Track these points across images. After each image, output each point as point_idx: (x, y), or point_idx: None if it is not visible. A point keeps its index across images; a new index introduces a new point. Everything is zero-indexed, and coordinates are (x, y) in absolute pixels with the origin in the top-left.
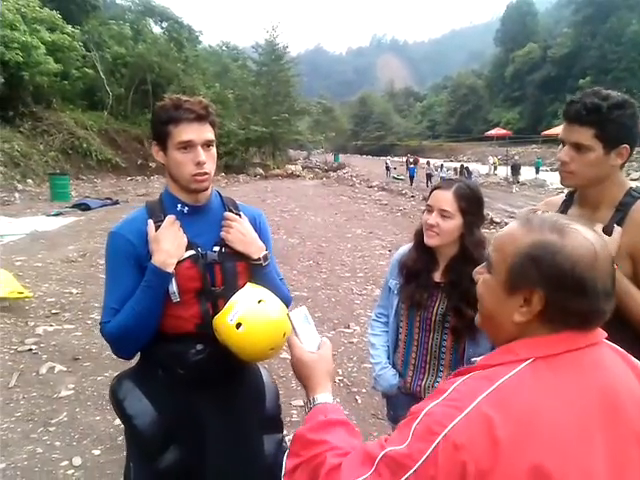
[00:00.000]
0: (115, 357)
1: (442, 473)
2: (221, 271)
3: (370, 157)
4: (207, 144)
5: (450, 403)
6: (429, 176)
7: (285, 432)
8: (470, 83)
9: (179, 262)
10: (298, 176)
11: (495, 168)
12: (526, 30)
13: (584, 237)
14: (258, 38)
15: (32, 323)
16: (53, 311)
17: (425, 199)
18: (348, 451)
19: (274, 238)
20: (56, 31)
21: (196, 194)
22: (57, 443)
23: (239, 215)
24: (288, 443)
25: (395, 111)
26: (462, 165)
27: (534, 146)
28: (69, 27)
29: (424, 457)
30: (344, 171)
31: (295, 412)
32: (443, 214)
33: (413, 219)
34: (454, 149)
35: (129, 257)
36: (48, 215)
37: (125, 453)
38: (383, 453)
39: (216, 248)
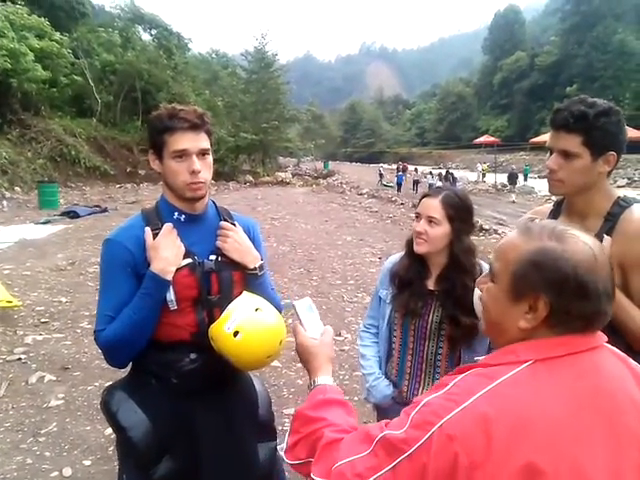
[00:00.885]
0: (105, 366)
1: (434, 461)
2: (217, 280)
3: (360, 164)
4: (202, 153)
5: (449, 397)
6: (416, 183)
7: (277, 441)
8: (459, 91)
9: (177, 270)
10: (288, 183)
11: (484, 175)
12: (514, 38)
13: (583, 242)
14: (247, 46)
15: (21, 332)
16: (42, 320)
17: (415, 206)
18: (345, 428)
19: (264, 246)
20: (44, 38)
21: (192, 202)
22: (47, 453)
23: (234, 225)
24: (281, 452)
25: (384, 118)
26: (447, 171)
27: (522, 153)
28: (57, 34)
29: (418, 444)
30: (334, 178)
31: (287, 420)
32: (431, 221)
33: (403, 226)
34: (443, 156)
35: (125, 264)
36: (36, 223)
37: (116, 464)
38: (381, 435)
39: (212, 257)
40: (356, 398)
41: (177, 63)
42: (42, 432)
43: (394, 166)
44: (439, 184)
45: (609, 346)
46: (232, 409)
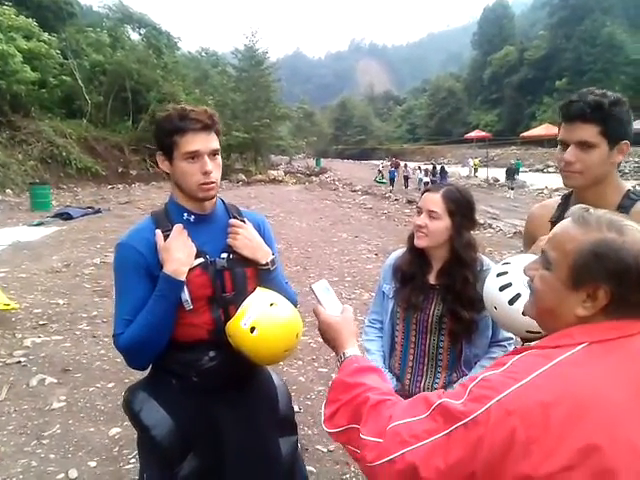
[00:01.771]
0: (106, 367)
1: (491, 434)
2: (231, 277)
3: (352, 161)
4: (213, 153)
5: (507, 374)
6: (406, 178)
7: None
8: (449, 86)
9: (189, 270)
10: (281, 181)
11: (475, 170)
12: (503, 33)
13: None
14: (237, 44)
15: (20, 335)
16: (40, 322)
17: (409, 202)
18: (386, 391)
19: (275, 241)
20: (32, 39)
21: (202, 202)
22: (52, 456)
23: (243, 221)
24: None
25: (375, 115)
26: (434, 166)
27: (513, 148)
28: (46, 35)
29: (475, 414)
30: (326, 175)
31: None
32: (431, 215)
33: (398, 222)
34: (435, 152)
35: (139, 267)
36: (30, 225)
37: (122, 464)
38: (440, 402)
39: (224, 255)
40: None
41: (167, 62)
42: (45, 434)
43: (388, 163)
44: (426, 179)
45: None
46: (253, 405)
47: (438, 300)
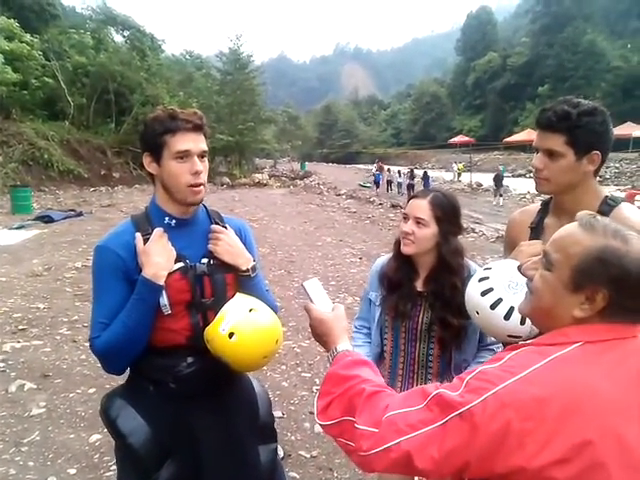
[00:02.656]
0: (87, 373)
1: (486, 424)
2: (210, 283)
3: (336, 165)
4: (202, 155)
5: (504, 368)
6: (389, 182)
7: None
8: (433, 91)
9: (169, 274)
10: (265, 185)
11: (459, 175)
12: (486, 39)
13: None
14: (222, 47)
15: None
16: (20, 327)
17: (393, 206)
18: (380, 384)
19: (256, 247)
20: (14, 40)
21: (188, 207)
22: (30, 463)
23: (225, 227)
24: (280, 452)
25: (360, 119)
26: (411, 170)
27: (496, 153)
28: (28, 36)
29: (471, 404)
30: (311, 179)
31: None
32: (418, 222)
33: (382, 226)
34: (419, 156)
35: (117, 271)
36: (10, 228)
37: (102, 472)
38: (436, 392)
39: (204, 260)
40: None
41: (151, 65)
42: (24, 442)
43: (373, 167)
44: (401, 180)
45: None
46: (232, 411)
47: (426, 307)
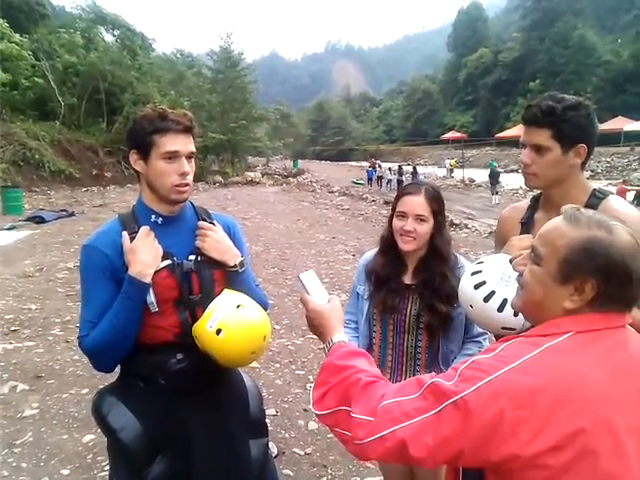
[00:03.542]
0: (80, 373)
1: (479, 413)
2: (198, 279)
3: (329, 162)
4: (189, 156)
5: (498, 358)
6: (380, 178)
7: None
8: (425, 88)
9: (156, 272)
10: (258, 183)
11: (452, 171)
12: (477, 35)
13: (626, 232)
14: (213, 45)
15: None
16: (12, 328)
17: (386, 203)
18: (376, 374)
19: (245, 243)
20: (3, 40)
21: (172, 205)
22: (23, 465)
23: (213, 224)
24: (274, 449)
25: (352, 116)
26: (400, 166)
27: (488, 148)
28: (17, 36)
29: (465, 392)
30: (304, 177)
31: (268, 421)
32: (420, 219)
33: (375, 223)
34: (412, 152)
35: (104, 270)
36: (1, 229)
37: (96, 472)
38: (431, 381)
39: (192, 257)
40: None
41: (141, 64)
42: (17, 443)
43: (366, 163)
44: (391, 177)
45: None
46: (223, 407)
47: (414, 299)
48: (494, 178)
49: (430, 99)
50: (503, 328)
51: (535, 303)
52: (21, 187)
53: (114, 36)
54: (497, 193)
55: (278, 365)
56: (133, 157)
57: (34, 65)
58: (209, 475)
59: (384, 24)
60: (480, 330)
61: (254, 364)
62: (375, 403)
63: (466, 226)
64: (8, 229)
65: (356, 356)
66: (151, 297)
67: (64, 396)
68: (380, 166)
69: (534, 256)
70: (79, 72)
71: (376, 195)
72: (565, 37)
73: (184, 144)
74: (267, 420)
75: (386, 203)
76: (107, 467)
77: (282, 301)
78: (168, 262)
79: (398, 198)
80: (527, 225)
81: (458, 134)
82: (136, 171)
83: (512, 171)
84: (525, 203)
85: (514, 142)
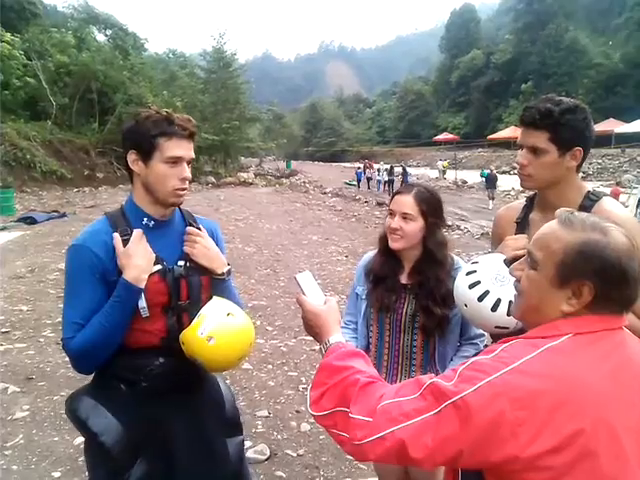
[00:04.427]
0: (71, 375)
1: (479, 413)
2: (187, 285)
3: (322, 163)
4: (189, 162)
5: (497, 359)
6: (369, 180)
7: (251, 443)
8: (417, 89)
9: (148, 277)
10: (251, 184)
11: (444, 172)
12: (469, 37)
13: (620, 233)
14: (205, 45)
15: None
16: (3, 330)
17: (379, 204)
18: (374, 375)
19: (229, 247)
20: None
21: (166, 208)
22: (14, 467)
23: (199, 229)
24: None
25: (345, 117)
26: (391, 166)
27: (480, 150)
28: (8, 35)
29: (465, 393)
30: (297, 178)
31: (260, 422)
32: (405, 217)
33: (368, 224)
34: (404, 154)
35: (94, 271)
36: None
37: (87, 474)
38: (430, 381)
39: (181, 262)
40: None
41: (133, 64)
42: (8, 445)
43: (359, 164)
44: (381, 178)
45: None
46: (201, 408)
47: (410, 299)
48: (491, 182)
49: (423, 100)
50: (497, 327)
51: (533, 308)
52: (12, 187)
53: (106, 36)
54: (493, 198)
55: (271, 366)
56: (131, 157)
57: (25, 65)
58: (189, 475)
59: (377, 25)
60: (477, 332)
61: (246, 365)
62: (374, 403)
63: (458, 227)
64: None
65: (354, 357)
66: (143, 302)
67: (55, 398)
68: (371, 166)
69: (530, 261)
70: (71, 72)
71: (369, 196)
72: (557, 39)
73: (187, 150)
74: (259, 421)
75: (379, 204)
76: None
77: (275, 302)
78: (159, 267)
79: (392, 198)
80: (522, 225)
81: (450, 136)
82: (130, 171)
83: (504, 172)
84: (520, 203)
85: (506, 144)
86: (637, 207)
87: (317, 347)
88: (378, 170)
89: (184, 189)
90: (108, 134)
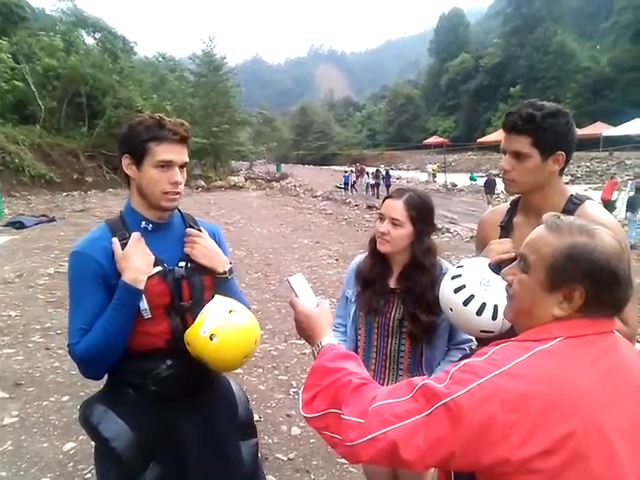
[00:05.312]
0: (60, 380)
1: (470, 415)
2: (189, 286)
3: (312, 167)
4: (182, 165)
5: (489, 361)
6: (353, 184)
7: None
8: (407, 93)
9: (148, 279)
10: (241, 187)
11: (434, 176)
12: (458, 41)
13: (608, 235)
14: (195, 49)
15: None
16: None
17: (369, 207)
18: (366, 377)
19: (229, 250)
20: None
21: (162, 211)
22: (3, 473)
23: (200, 230)
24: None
25: (335, 121)
26: (377, 170)
27: (470, 153)
28: None
29: (456, 394)
30: (287, 181)
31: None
32: (394, 222)
33: (358, 227)
34: (394, 157)
35: (96, 276)
36: None
37: None
38: (422, 383)
39: (182, 263)
40: None
41: (123, 67)
42: None
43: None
44: (369, 181)
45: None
46: (213, 411)
47: (398, 304)
48: (490, 187)
49: (412, 104)
50: (482, 331)
51: (525, 311)
52: (0, 192)
53: (95, 39)
54: (490, 203)
55: (261, 370)
56: (125, 162)
57: (13, 68)
58: (202, 477)
59: (366, 29)
60: (465, 337)
61: (238, 370)
62: (366, 405)
63: (448, 230)
64: None
65: (346, 358)
66: (144, 303)
67: (44, 404)
68: (364, 170)
69: (523, 264)
70: (59, 75)
71: (359, 200)
72: (545, 43)
73: (179, 154)
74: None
75: (369, 207)
76: (88, 475)
77: (265, 306)
78: (159, 269)
79: (383, 201)
80: (506, 228)
81: (440, 139)
82: (127, 176)
83: (494, 176)
84: (505, 207)
85: (495, 147)
86: (626, 207)
87: (307, 351)
88: (367, 173)
89: (176, 193)
90: (97, 138)
